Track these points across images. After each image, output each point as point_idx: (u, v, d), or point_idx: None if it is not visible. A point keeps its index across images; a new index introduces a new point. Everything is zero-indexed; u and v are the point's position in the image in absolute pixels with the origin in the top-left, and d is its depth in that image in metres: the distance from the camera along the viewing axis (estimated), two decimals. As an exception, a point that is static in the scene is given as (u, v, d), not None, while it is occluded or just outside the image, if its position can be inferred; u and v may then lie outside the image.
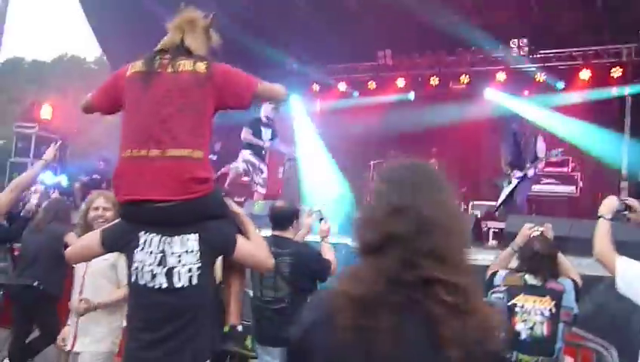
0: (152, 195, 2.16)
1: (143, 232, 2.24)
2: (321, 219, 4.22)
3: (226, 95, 2.37)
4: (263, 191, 8.12)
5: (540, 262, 3.42)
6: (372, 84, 11.80)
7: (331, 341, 1.24)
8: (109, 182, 10.92)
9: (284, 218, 3.98)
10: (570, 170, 8.51)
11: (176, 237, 2.21)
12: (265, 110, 7.89)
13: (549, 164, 8.51)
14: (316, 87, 12.36)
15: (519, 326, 3.34)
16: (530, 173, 7.20)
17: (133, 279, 2.25)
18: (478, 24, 9.86)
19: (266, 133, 8.05)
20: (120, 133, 2.35)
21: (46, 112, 11.66)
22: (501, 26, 10.06)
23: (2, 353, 5.11)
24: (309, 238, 4.26)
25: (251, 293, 4.03)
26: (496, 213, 7.49)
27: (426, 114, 10.60)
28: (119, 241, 2.33)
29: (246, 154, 7.99)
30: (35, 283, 5.08)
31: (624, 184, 9.81)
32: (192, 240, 2.21)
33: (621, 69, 9.61)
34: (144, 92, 2.30)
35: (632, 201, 3.03)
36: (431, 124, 10.29)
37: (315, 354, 1.28)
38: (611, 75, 9.77)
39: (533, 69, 10.33)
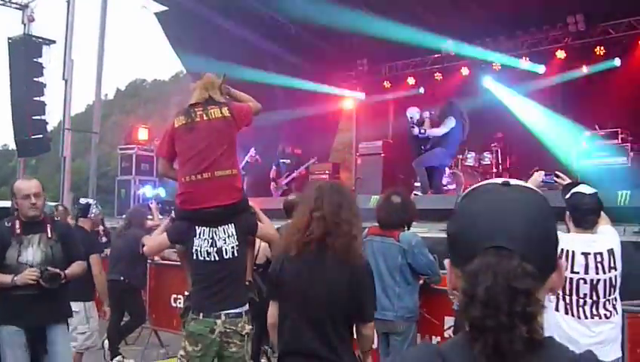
0: (213, 203, 3.35)
1: (197, 227, 3.39)
2: None
3: (241, 123, 3.57)
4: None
5: None
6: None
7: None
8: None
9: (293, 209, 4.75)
10: (620, 141, 8.42)
11: (220, 227, 3.37)
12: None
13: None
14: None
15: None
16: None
17: (194, 257, 3.38)
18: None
19: None
20: (178, 167, 3.55)
21: (143, 134, 13.21)
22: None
23: (103, 336, 6.24)
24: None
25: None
26: None
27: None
28: (181, 236, 3.49)
29: None
30: (121, 278, 6.23)
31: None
32: (231, 228, 3.39)
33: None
34: (190, 136, 3.44)
35: (560, 175, 3.79)
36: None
37: None
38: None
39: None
